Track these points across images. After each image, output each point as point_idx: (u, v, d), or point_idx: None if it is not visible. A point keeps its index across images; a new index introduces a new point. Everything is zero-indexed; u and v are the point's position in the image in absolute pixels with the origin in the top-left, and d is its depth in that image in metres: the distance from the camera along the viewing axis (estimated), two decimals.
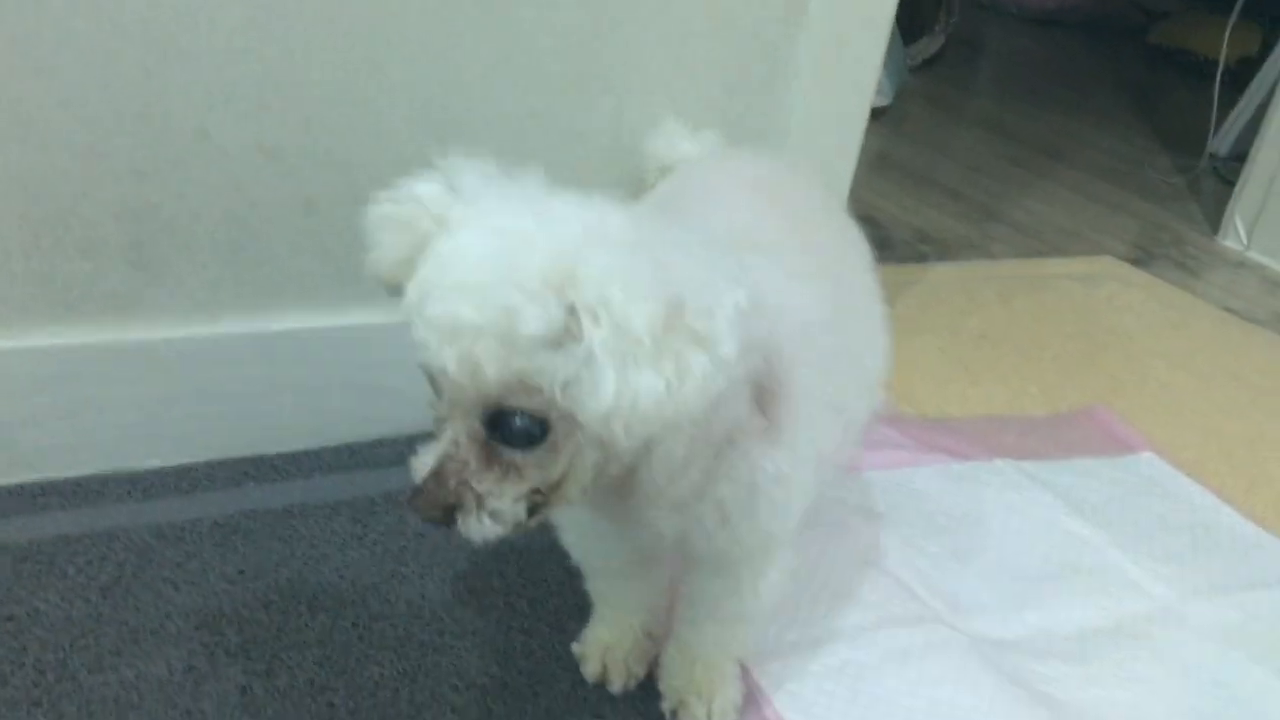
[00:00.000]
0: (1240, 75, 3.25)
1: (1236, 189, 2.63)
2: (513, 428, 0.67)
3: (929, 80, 3.84)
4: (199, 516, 1.14)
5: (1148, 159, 3.29)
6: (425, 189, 0.71)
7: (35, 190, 1.06)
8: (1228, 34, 2.93)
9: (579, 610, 1.06)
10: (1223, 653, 1.18)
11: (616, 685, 1.02)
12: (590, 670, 1.02)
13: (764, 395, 0.77)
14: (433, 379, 0.68)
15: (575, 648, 1.04)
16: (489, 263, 0.64)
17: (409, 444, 1.28)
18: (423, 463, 0.69)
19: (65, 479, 1.15)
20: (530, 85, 1.24)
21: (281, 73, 1.11)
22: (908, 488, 1.39)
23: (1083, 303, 2.14)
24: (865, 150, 1.56)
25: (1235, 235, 2.61)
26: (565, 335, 0.62)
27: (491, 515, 0.69)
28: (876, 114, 2.87)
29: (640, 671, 1.03)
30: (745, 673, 1.04)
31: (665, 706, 1.00)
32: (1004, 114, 3.64)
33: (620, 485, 0.76)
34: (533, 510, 0.72)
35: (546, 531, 1.17)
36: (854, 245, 1.06)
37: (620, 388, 0.62)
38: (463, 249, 0.66)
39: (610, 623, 1.03)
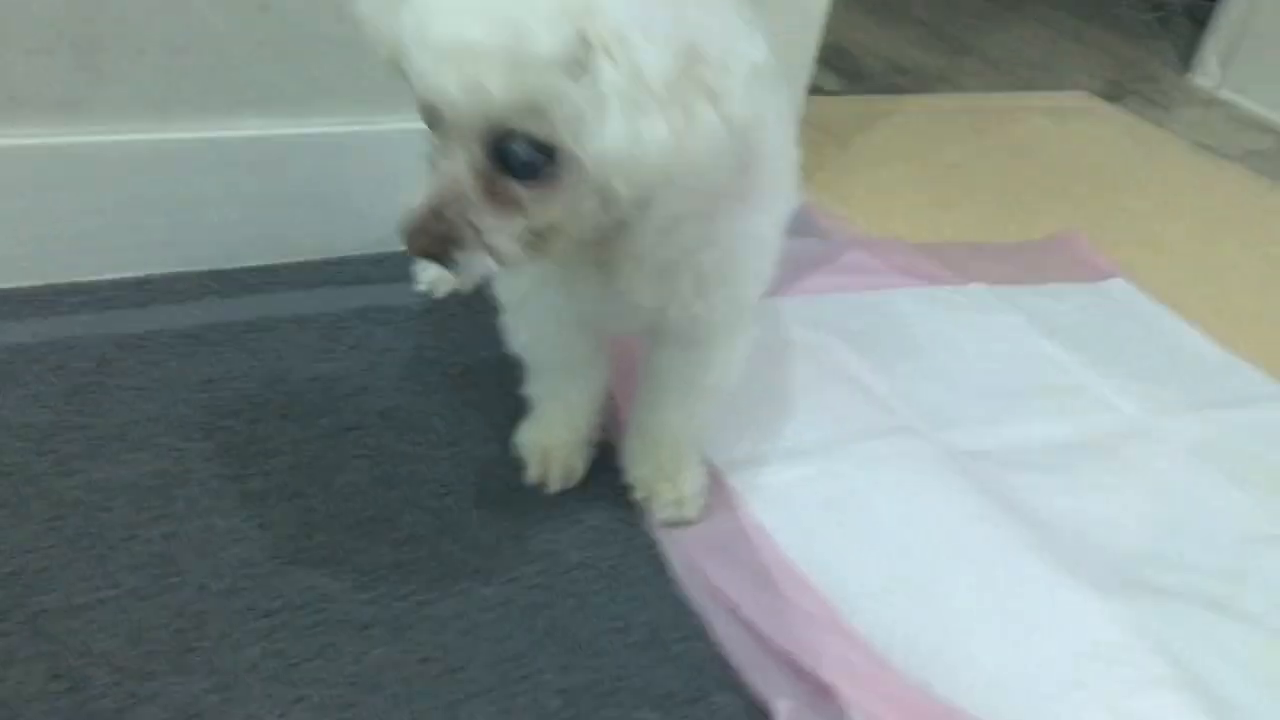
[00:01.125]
0: None
1: (1210, 26, 2.59)
2: (517, 155, 0.64)
3: None
4: (160, 328, 1.10)
5: None
6: None
7: None
8: None
9: None
10: (1194, 466, 1.19)
11: (555, 485, 1.01)
12: (532, 473, 1.01)
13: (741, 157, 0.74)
14: (431, 109, 0.65)
15: (518, 449, 1.03)
16: None
17: (374, 263, 1.28)
18: (416, 197, 0.67)
19: (16, 289, 1.10)
20: None
21: None
22: (883, 310, 1.38)
23: (1054, 136, 2.11)
24: None
25: (1207, 73, 2.58)
26: (576, 64, 0.60)
27: (490, 251, 0.68)
28: None
29: (581, 469, 1.02)
30: (718, 480, 1.04)
31: (637, 496, 1.00)
32: None
33: (608, 245, 0.75)
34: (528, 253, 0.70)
35: None
36: None
37: (629, 133, 0.60)
38: None
39: (549, 423, 1.02)
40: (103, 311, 1.11)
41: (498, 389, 1.09)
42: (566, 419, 1.02)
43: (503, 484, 1.00)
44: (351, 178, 1.24)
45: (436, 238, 0.67)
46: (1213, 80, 2.56)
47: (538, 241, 0.70)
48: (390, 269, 1.27)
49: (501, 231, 0.67)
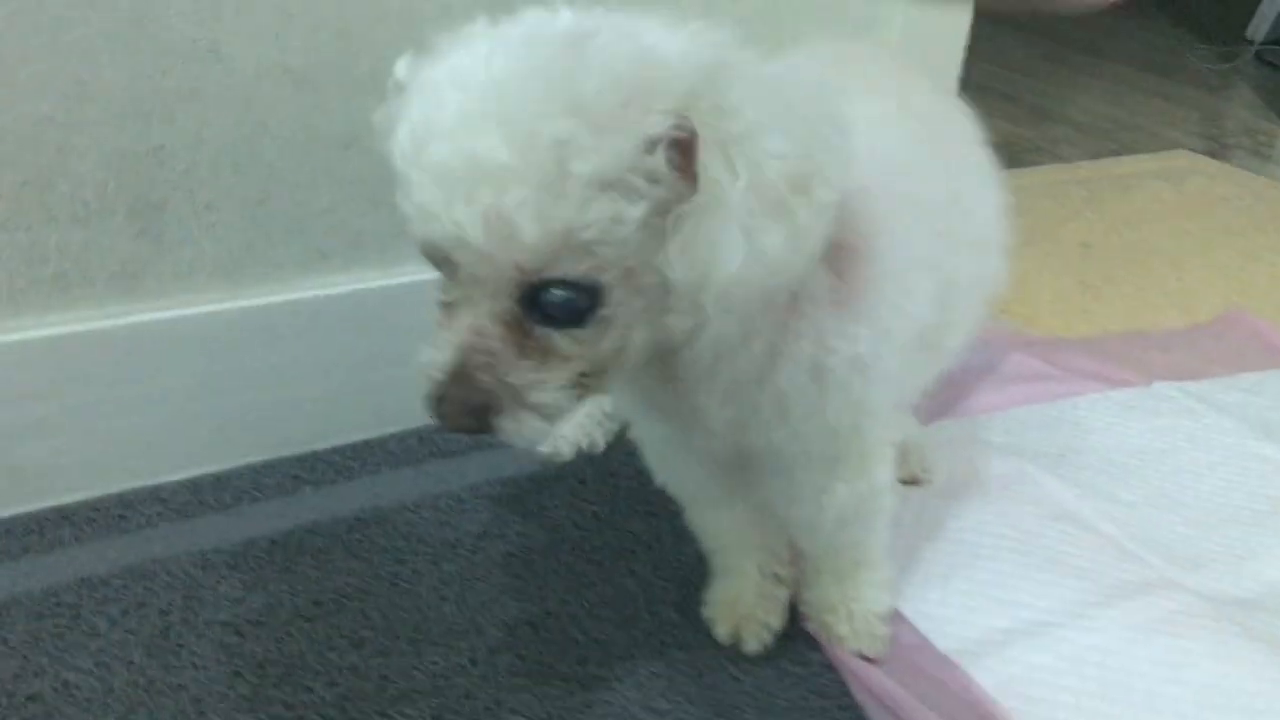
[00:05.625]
0: None
1: None
2: (555, 303, 0.52)
3: None
4: (252, 536, 0.91)
5: (1186, 49, 3.08)
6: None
7: (9, 145, 0.83)
8: None
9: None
10: None
11: (751, 644, 0.86)
12: (721, 632, 0.87)
13: (840, 252, 0.59)
14: (437, 254, 0.52)
15: (704, 611, 0.89)
16: (521, 79, 0.48)
17: None
18: (435, 360, 0.54)
19: (76, 503, 0.93)
20: None
21: None
22: (1071, 423, 1.18)
23: (1175, 201, 1.93)
24: None
25: None
26: (637, 174, 0.48)
27: (535, 411, 0.54)
28: None
29: (774, 622, 0.88)
30: (956, 673, 0.84)
31: (808, 625, 0.89)
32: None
33: (662, 368, 0.62)
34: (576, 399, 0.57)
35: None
36: (959, 120, 0.90)
37: (749, 249, 0.49)
38: (475, 65, 0.49)
39: (729, 573, 0.89)
40: (182, 522, 0.92)
41: (663, 561, 0.91)
42: (738, 566, 0.88)
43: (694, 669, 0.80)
44: None
45: (469, 407, 0.53)
46: None
47: (585, 384, 0.56)
48: None
49: (545, 386, 0.54)
